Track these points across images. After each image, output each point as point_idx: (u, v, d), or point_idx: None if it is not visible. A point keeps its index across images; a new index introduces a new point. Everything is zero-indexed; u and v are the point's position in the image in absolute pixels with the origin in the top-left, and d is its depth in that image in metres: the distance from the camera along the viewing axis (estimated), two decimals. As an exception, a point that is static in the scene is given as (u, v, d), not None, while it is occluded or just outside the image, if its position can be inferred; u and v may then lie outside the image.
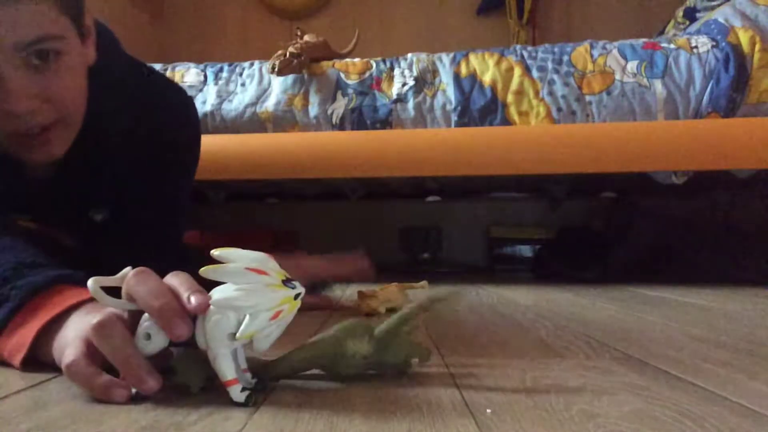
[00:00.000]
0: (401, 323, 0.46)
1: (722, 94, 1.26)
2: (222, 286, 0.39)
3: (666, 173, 1.34)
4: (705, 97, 1.28)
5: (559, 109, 1.32)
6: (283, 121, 1.37)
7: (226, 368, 0.39)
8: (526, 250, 2.02)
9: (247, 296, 0.38)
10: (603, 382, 0.45)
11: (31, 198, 0.72)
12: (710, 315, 0.87)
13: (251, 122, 1.38)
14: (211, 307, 0.39)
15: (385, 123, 1.36)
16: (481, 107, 1.33)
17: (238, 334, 0.38)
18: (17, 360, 0.47)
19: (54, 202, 0.73)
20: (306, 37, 1.48)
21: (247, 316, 0.38)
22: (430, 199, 2.03)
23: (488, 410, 0.38)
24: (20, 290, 0.48)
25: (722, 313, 0.90)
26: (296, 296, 0.40)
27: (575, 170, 1.29)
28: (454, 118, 1.35)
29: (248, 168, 1.31)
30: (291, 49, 1.36)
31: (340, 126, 1.36)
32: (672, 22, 1.74)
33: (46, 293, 0.49)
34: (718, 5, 1.47)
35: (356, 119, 1.36)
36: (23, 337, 0.47)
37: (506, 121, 1.33)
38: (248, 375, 0.42)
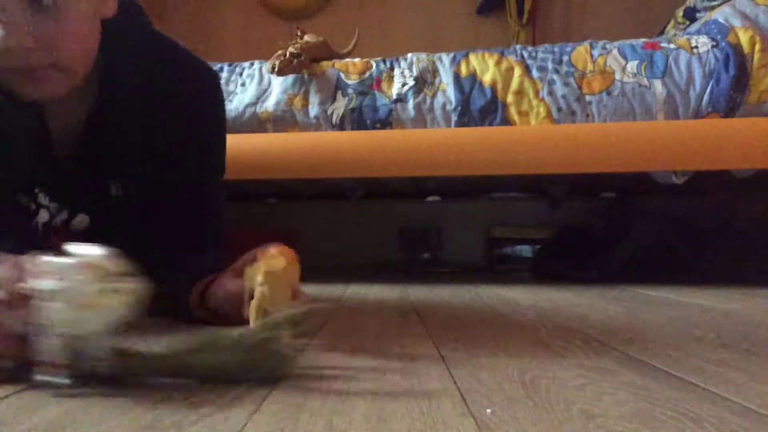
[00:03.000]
0: (266, 338, 0.46)
1: (722, 94, 1.26)
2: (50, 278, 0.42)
3: (666, 173, 1.34)
4: (705, 97, 1.28)
5: (559, 109, 1.32)
6: (283, 121, 1.37)
7: (40, 350, 0.41)
8: (526, 250, 2.02)
9: (60, 288, 0.41)
10: (603, 382, 0.45)
11: (54, 172, 0.74)
12: (710, 315, 0.87)
13: (251, 122, 1.38)
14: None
15: (385, 123, 1.36)
16: (481, 107, 1.33)
17: (47, 322, 0.41)
18: None
19: (75, 174, 0.75)
20: (306, 37, 1.48)
21: (58, 305, 0.41)
22: (430, 199, 2.03)
23: (488, 410, 0.38)
24: None
25: (722, 313, 0.90)
26: (123, 292, 0.42)
27: (575, 170, 1.29)
28: (454, 118, 1.35)
29: (248, 168, 1.31)
30: (291, 49, 1.36)
31: (340, 126, 1.36)
32: (672, 22, 1.74)
33: None
34: (718, 5, 1.47)
35: (356, 119, 1.36)
36: None
37: (506, 121, 1.33)
38: (66, 372, 0.42)
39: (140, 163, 0.78)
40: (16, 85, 0.62)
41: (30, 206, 0.75)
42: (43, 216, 0.77)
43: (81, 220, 0.79)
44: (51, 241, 0.78)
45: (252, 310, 0.59)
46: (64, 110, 0.72)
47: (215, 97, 0.85)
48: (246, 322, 0.66)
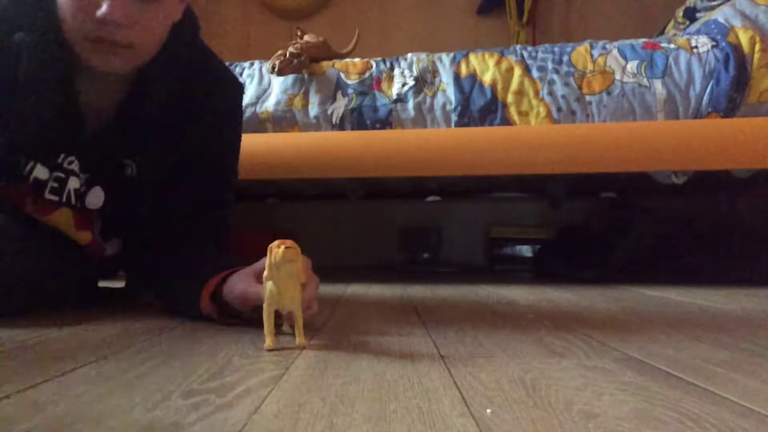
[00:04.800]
0: None
1: (722, 94, 1.26)
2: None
3: (666, 173, 1.34)
4: (705, 97, 1.28)
5: (559, 109, 1.32)
6: (283, 121, 1.37)
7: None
8: (526, 250, 2.02)
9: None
10: (603, 382, 0.45)
11: (84, 143, 0.80)
12: (710, 315, 0.87)
13: (251, 122, 1.38)
14: None
15: (385, 123, 1.36)
16: (481, 107, 1.33)
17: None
18: None
19: (99, 148, 0.81)
20: (306, 37, 1.48)
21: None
22: (430, 199, 2.03)
23: (488, 410, 0.38)
24: None
25: (722, 313, 0.90)
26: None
27: (575, 170, 1.29)
28: (454, 118, 1.35)
29: (248, 168, 1.31)
30: (291, 49, 1.36)
31: (340, 126, 1.36)
32: (672, 22, 1.74)
33: None
34: (718, 5, 1.47)
35: (356, 119, 1.36)
36: None
37: (506, 121, 1.33)
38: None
39: (158, 151, 0.83)
40: (88, 52, 0.70)
41: (56, 175, 0.81)
42: (74, 183, 0.82)
43: (97, 195, 0.83)
44: (75, 220, 0.82)
45: (264, 311, 0.60)
46: (99, 90, 0.78)
47: (237, 106, 0.93)
48: (258, 321, 0.66)
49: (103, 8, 0.64)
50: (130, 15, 0.66)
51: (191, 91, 0.82)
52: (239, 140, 0.93)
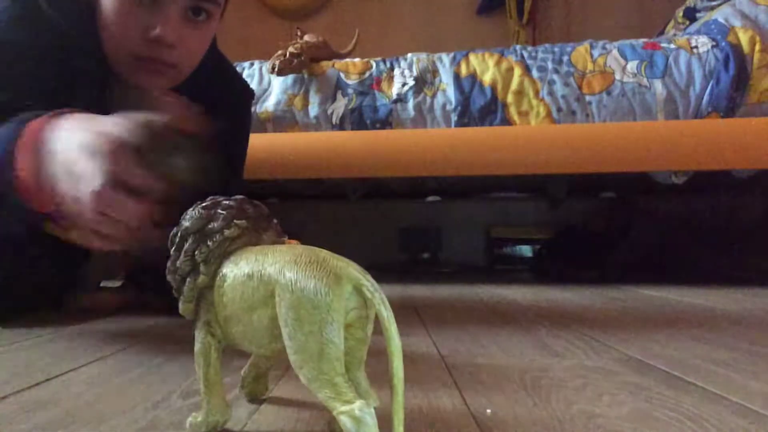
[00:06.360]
0: None
1: (722, 94, 1.26)
2: None
3: (666, 173, 1.34)
4: (705, 97, 1.28)
5: (559, 109, 1.32)
6: (283, 121, 1.37)
7: None
8: (526, 250, 2.02)
9: None
10: (603, 382, 0.45)
11: None
12: (710, 315, 0.87)
13: (251, 122, 1.37)
14: None
15: (385, 123, 1.36)
16: (481, 107, 1.33)
17: None
18: None
19: None
20: (306, 37, 1.48)
21: None
22: (430, 199, 2.03)
23: (488, 410, 0.38)
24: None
25: (722, 313, 0.90)
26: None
27: (575, 170, 1.29)
28: (454, 118, 1.35)
29: (249, 168, 1.31)
30: (291, 49, 1.36)
31: (340, 126, 1.36)
32: (672, 22, 1.74)
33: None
34: (718, 5, 1.47)
35: (356, 119, 1.36)
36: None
37: (506, 121, 1.33)
38: None
39: None
40: (133, 70, 0.71)
41: None
42: None
43: None
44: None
45: None
46: (129, 103, 0.78)
47: (248, 109, 0.98)
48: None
49: (157, 30, 0.66)
50: (181, 36, 0.68)
51: (206, 97, 0.84)
52: (246, 145, 0.96)
